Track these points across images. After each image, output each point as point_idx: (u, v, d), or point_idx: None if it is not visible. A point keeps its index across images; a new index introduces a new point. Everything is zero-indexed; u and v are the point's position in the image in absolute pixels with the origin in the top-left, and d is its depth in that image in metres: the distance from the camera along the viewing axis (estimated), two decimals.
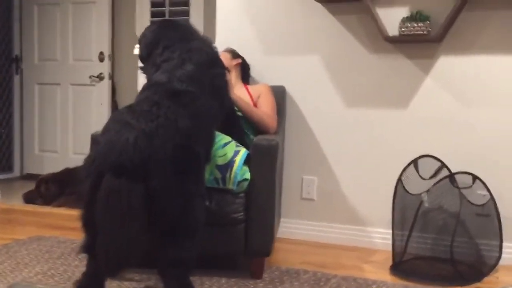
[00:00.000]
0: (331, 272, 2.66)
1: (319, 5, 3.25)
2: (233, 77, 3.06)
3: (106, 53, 5.21)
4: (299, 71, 3.32)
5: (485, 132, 2.96)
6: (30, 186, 4.50)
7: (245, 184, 2.47)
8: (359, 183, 3.24)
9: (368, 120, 3.20)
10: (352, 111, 3.23)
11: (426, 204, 2.79)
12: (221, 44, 3.24)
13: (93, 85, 5.28)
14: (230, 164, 2.42)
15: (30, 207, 4.11)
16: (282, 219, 3.33)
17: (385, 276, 2.67)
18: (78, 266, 2.61)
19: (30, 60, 5.57)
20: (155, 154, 1.95)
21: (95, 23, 5.23)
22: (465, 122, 3.00)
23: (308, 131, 3.32)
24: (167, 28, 2.50)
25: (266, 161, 2.48)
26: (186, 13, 4.98)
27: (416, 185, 2.80)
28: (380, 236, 3.17)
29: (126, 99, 4.95)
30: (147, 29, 2.57)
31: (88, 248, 2.08)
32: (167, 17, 4.93)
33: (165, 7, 5.09)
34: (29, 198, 4.29)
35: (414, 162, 2.81)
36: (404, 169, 2.82)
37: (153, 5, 5.15)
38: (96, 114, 5.26)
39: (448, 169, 2.71)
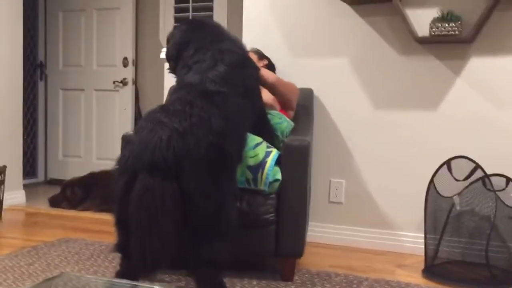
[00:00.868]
0: (362, 275, 2.63)
1: (347, 6, 3.23)
2: None
3: (130, 58, 5.24)
4: (327, 73, 3.30)
5: None
6: (54, 190, 4.52)
7: (277, 184, 2.44)
8: (387, 186, 3.19)
9: (397, 122, 3.16)
10: (380, 113, 3.20)
11: (457, 207, 2.73)
12: (248, 45, 3.22)
13: (117, 90, 5.31)
14: (261, 165, 2.40)
15: (56, 211, 4.13)
16: (309, 223, 3.29)
17: (418, 279, 2.63)
18: (108, 267, 2.60)
19: (55, 66, 5.62)
20: (189, 153, 1.94)
21: (119, 29, 5.28)
22: (496, 123, 2.95)
23: (336, 133, 3.29)
24: (197, 29, 2.49)
25: (297, 161, 2.45)
26: (210, 18, 4.98)
27: (448, 187, 2.75)
28: (410, 240, 3.12)
29: (150, 104, 4.96)
30: (176, 28, 2.56)
31: (121, 247, 2.08)
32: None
33: (188, 12, 5.11)
34: (54, 202, 4.31)
35: (447, 163, 2.76)
36: (437, 170, 2.76)
37: (177, 10, 5.20)
38: (119, 119, 5.29)
39: (483, 170, 2.66)
